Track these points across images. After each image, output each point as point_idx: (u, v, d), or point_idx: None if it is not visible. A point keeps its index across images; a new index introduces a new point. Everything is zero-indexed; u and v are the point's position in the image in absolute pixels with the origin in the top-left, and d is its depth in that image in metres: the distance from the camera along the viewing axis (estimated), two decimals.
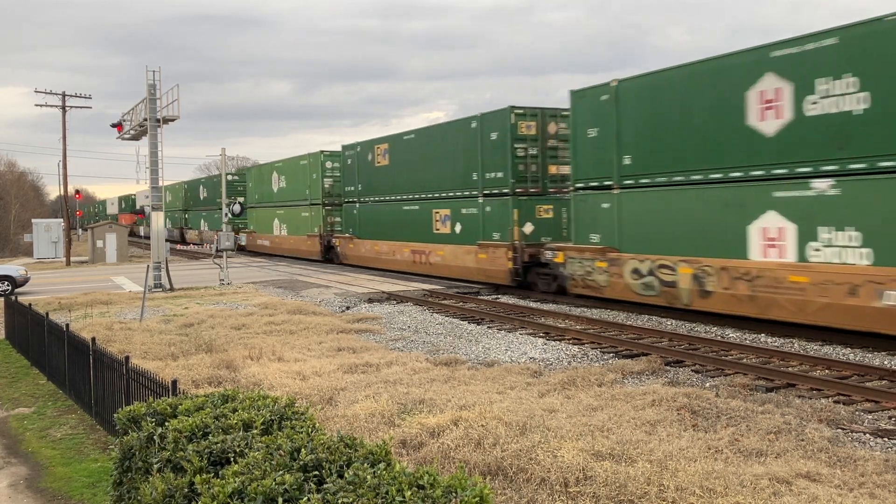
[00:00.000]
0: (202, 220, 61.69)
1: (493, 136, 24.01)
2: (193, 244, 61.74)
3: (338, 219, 37.25)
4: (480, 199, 24.75)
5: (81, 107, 56.13)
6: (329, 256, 37.58)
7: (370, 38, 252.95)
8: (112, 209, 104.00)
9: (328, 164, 37.94)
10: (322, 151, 38.16)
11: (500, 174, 23.78)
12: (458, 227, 26.07)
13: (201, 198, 62.24)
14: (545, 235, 23.48)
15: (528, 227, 23.34)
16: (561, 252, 21.08)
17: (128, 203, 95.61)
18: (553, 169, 23.94)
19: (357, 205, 33.82)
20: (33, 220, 55.21)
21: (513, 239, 23.06)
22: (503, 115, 23.64)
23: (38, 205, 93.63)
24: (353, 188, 34.33)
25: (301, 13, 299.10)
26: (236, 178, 55.99)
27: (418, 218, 28.52)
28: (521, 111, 23.45)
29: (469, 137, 25.33)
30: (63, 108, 45.50)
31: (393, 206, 30.69)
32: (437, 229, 27.27)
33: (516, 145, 23.35)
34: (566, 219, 23.19)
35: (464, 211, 25.73)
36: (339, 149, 36.79)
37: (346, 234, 34.89)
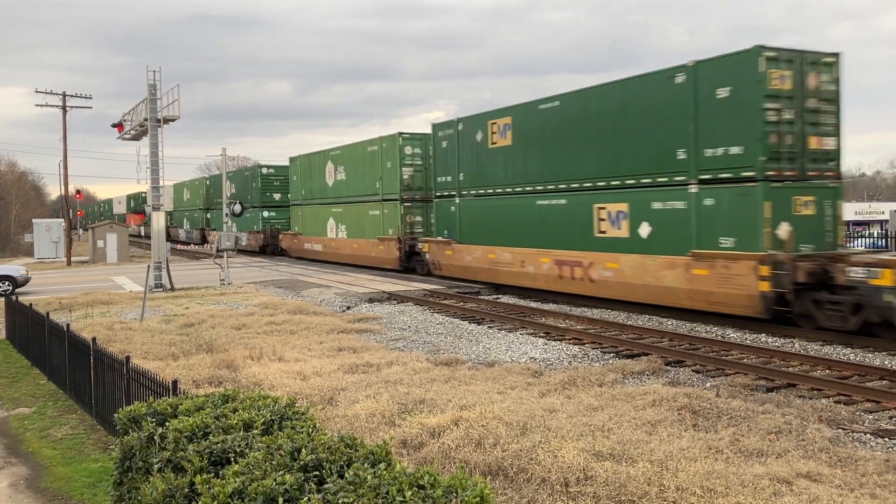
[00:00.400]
0: (228, 221, 57.66)
1: (723, 92, 16.45)
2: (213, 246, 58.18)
3: (419, 218, 30.23)
4: (693, 188, 17.03)
5: (82, 107, 56.15)
6: (410, 265, 30.25)
7: (370, 38, 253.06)
8: (119, 208, 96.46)
9: (408, 150, 30.31)
10: (401, 134, 30.62)
11: (735, 149, 16.15)
12: (643, 229, 18.29)
13: (228, 195, 57.63)
14: (804, 242, 15.99)
15: (784, 230, 15.73)
16: None
17: (137, 202, 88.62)
18: (813, 142, 16.32)
19: (457, 199, 25.90)
20: (34, 220, 55.25)
21: (765, 247, 15.52)
22: (746, 60, 16.01)
23: (38, 205, 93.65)
24: (449, 178, 26.37)
25: (301, 13, 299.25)
26: (272, 171, 48.39)
27: (566, 216, 20.82)
28: (772, 54, 15.88)
29: (669, 98, 17.61)
30: (63, 108, 45.52)
31: (519, 200, 22.86)
32: (603, 231, 19.53)
33: (767, 105, 15.73)
34: (829, 216, 16.43)
35: (657, 205, 17.95)
36: (419, 130, 31.02)
37: (440, 238, 27.14)
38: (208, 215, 59.52)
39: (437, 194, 27.51)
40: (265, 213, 47.62)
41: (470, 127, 25.28)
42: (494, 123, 23.98)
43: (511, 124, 23.25)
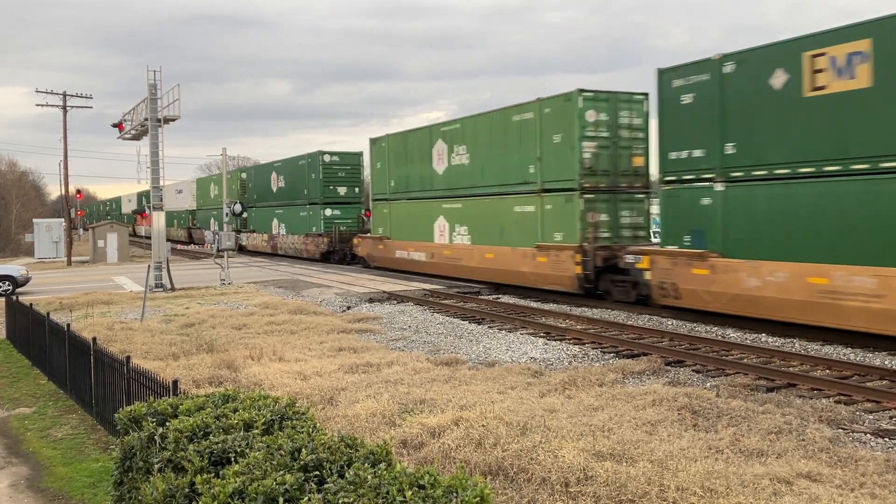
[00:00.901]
0: (275, 221, 44.95)
1: None
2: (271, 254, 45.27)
3: (605, 216, 20.95)
4: None
5: (82, 107, 56.19)
6: (601, 287, 20.47)
7: (370, 38, 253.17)
8: (128, 207, 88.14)
9: (589, 116, 20.81)
10: (581, 92, 20.77)
11: None
12: None
13: (273, 189, 45.39)
14: None
15: None
16: None
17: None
18: None
19: (717, 186, 16.50)
20: (34, 220, 55.29)
21: None
22: None
23: (38, 205, 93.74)
24: (698, 152, 16.95)
25: (301, 13, 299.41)
26: (336, 158, 38.88)
27: None
28: None
29: None
30: (64, 107, 45.53)
31: None
32: None
33: None
34: None
35: None
36: (602, 87, 21.14)
37: (679, 248, 17.42)
38: (244, 215, 49.50)
39: (669, 178, 17.83)
40: (328, 212, 38.55)
41: (752, 66, 15.79)
42: (820, 56, 14.55)
43: (869, 53, 13.76)
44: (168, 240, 65.34)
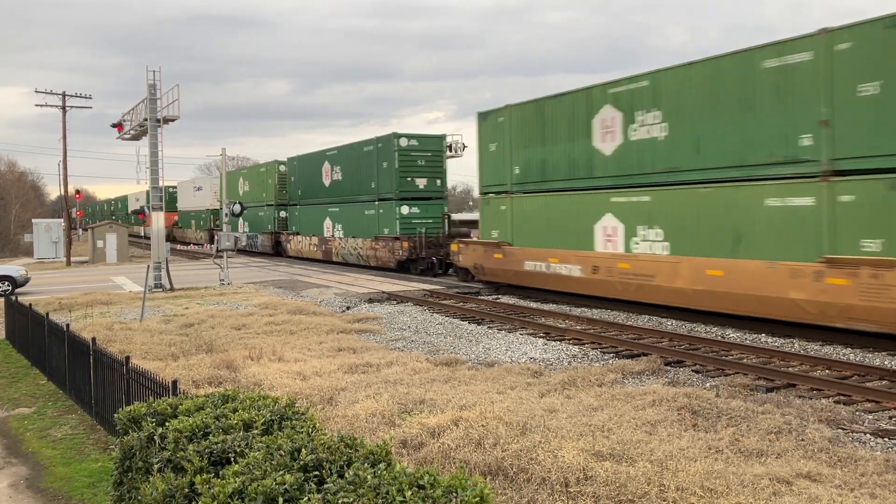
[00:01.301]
0: (327, 222, 37.44)
1: None
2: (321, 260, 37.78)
3: None
4: None
5: (81, 107, 56.16)
6: None
7: (370, 38, 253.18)
8: (136, 206, 76.98)
9: None
10: None
11: None
12: None
13: (325, 183, 37.83)
14: None
15: None
16: None
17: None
18: None
19: None
20: (33, 220, 55.28)
21: None
22: None
23: (38, 205, 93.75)
24: None
25: (301, 13, 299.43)
26: (415, 143, 31.88)
27: None
28: None
29: None
30: (63, 108, 45.53)
31: None
32: None
33: None
34: None
35: None
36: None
37: None
38: (283, 213, 43.10)
39: None
40: (404, 209, 31.48)
41: None
42: None
43: None
44: (186, 242, 63.16)
